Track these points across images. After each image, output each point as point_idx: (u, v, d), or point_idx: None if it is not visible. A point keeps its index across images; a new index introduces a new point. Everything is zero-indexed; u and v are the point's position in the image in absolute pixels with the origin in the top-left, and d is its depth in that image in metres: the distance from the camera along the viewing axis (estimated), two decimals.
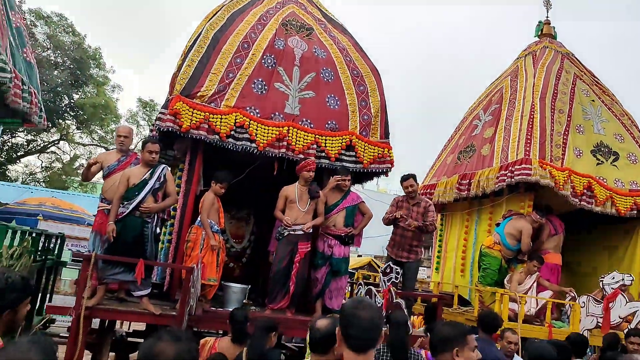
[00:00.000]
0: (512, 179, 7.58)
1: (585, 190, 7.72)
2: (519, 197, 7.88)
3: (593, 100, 8.67)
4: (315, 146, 6.51)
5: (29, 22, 25.12)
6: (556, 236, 7.98)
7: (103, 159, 6.33)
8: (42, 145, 27.00)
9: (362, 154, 6.69)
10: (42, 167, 28.59)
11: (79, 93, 26.33)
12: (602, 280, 6.80)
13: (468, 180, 8.48)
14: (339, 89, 6.86)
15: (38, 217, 10.97)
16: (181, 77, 6.18)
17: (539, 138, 7.75)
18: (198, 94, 6.17)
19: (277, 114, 6.47)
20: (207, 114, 6.08)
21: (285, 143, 6.36)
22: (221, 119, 6.12)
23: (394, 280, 5.60)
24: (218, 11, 6.75)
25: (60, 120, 26.19)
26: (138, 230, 5.32)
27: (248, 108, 6.34)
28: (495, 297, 6.64)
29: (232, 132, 6.16)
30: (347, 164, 6.63)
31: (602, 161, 8.17)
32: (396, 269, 5.60)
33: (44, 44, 25.33)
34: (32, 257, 5.16)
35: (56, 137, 27.26)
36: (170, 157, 7.22)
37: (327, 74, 6.85)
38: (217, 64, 6.31)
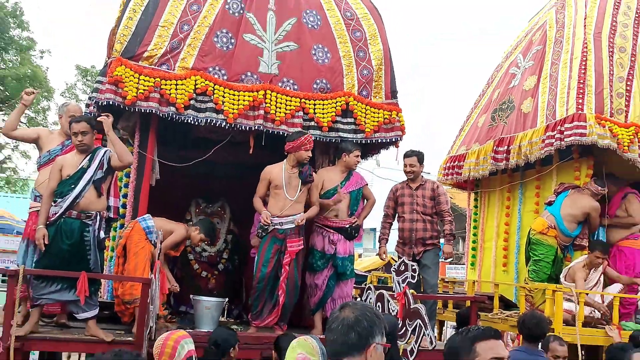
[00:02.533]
0: (563, 142, 7.59)
1: None
2: (572, 165, 7.93)
3: None
4: (301, 114, 6.61)
5: None
6: None
7: (43, 136, 6.38)
8: None
9: (362, 120, 6.79)
10: None
11: None
12: None
13: (506, 147, 8.52)
14: (328, 37, 6.94)
15: None
16: (121, 34, 6.25)
17: (595, 87, 7.75)
18: (144, 55, 6.25)
19: (249, 74, 6.56)
20: (158, 79, 6.17)
21: (261, 112, 6.45)
22: (177, 85, 6.22)
23: (410, 280, 5.70)
24: None
25: None
26: (76, 236, 5.41)
27: (211, 69, 6.43)
28: (546, 295, 6.75)
29: (192, 102, 6.26)
30: (344, 134, 6.74)
31: None
32: (412, 265, 5.70)
33: None
34: None
35: None
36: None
37: (311, 19, 6.93)
38: (166, 14, 6.39)
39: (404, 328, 5.42)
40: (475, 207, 10.03)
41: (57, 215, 5.39)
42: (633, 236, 8.09)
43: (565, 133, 7.58)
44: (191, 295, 6.54)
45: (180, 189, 7.74)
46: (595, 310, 7.15)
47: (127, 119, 6.54)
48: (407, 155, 7.39)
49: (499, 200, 9.35)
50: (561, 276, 7.46)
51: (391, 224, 7.52)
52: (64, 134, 6.31)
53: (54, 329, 5.67)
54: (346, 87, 6.84)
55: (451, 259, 7.32)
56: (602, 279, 7.28)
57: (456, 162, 9.69)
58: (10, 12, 26.50)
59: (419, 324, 5.43)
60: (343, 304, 2.57)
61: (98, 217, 5.59)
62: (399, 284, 5.81)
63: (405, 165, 7.35)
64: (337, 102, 6.72)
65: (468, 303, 7.14)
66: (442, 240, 7.48)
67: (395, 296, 5.76)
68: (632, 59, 8.18)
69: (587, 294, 6.91)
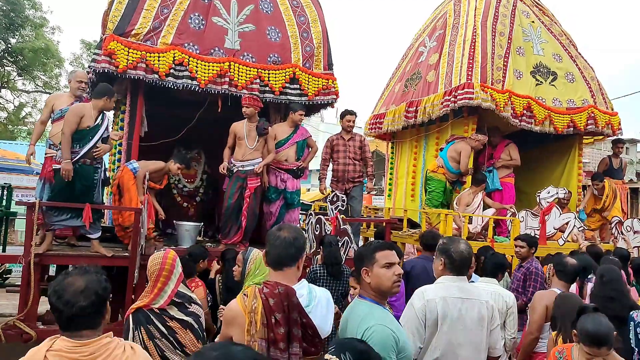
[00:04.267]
0: (456, 104, 7.68)
1: (524, 111, 7.93)
2: (462, 121, 8.03)
3: (533, 22, 8.74)
4: (258, 81, 6.46)
5: None
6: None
7: (54, 101, 6.10)
8: None
9: (306, 86, 6.68)
10: None
11: (16, 37, 24.82)
12: (539, 195, 7.17)
13: (415, 108, 8.56)
14: (279, 20, 6.73)
15: None
16: (113, 15, 5.94)
17: (481, 62, 7.81)
18: (132, 32, 5.96)
19: (217, 49, 6.33)
20: (144, 52, 5.92)
21: (227, 79, 6.28)
22: (159, 57, 5.98)
23: (340, 208, 5.77)
24: None
25: None
26: (90, 179, 5.24)
27: (186, 44, 6.18)
28: (440, 217, 6.93)
29: (172, 70, 6.04)
30: (292, 97, 6.62)
31: (541, 82, 8.36)
32: (342, 197, 5.77)
33: None
34: None
35: None
36: None
37: (266, 6, 6.69)
38: (149, 0, 6.06)
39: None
40: (392, 152, 10.12)
41: (74, 160, 5.13)
42: (511, 175, 8.38)
43: (458, 97, 7.66)
44: (174, 221, 6.47)
45: (166, 139, 7.54)
46: (477, 226, 7.40)
47: (120, 84, 6.27)
48: (350, 113, 7.46)
49: (409, 148, 9.43)
50: (454, 203, 7.66)
51: (328, 166, 7.56)
52: (72, 95, 6.02)
53: (65, 248, 5.55)
54: (293, 60, 6.68)
55: (374, 192, 7.48)
56: (482, 204, 7.51)
57: (378, 119, 9.70)
58: None
59: (347, 240, 5.53)
60: (280, 225, 2.56)
61: (103, 162, 5.44)
62: (332, 211, 5.88)
63: (348, 121, 7.37)
64: (286, 72, 6.57)
65: (383, 224, 7.29)
66: (366, 179, 7.57)
67: (329, 219, 5.84)
68: (509, 41, 8.24)
69: (469, 217, 7.13)
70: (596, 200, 8.33)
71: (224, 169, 6.12)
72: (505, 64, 8.01)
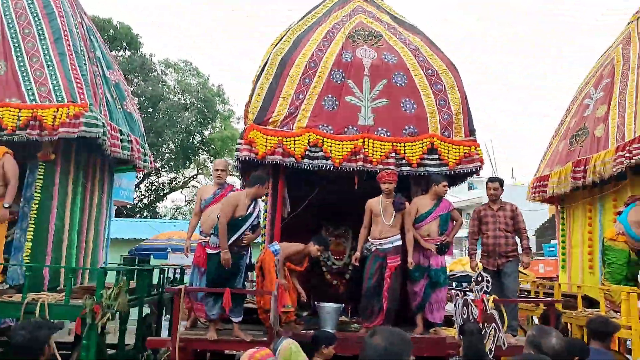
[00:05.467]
0: (632, 160, 6.55)
1: None
2: None
3: None
4: (394, 154, 6.26)
5: (160, 72, 27.74)
6: None
7: (201, 194, 6.65)
8: (183, 181, 29.48)
9: (446, 156, 6.29)
10: (186, 201, 31.18)
11: (208, 129, 28.36)
12: None
13: (583, 167, 7.51)
14: (414, 91, 6.53)
15: (167, 251, 11.93)
16: (253, 106, 6.32)
17: None
18: (270, 120, 6.25)
19: (350, 127, 6.33)
20: (281, 138, 6.14)
21: (361, 155, 6.19)
22: (294, 141, 6.15)
23: (485, 289, 5.11)
24: (284, 35, 6.80)
25: (196, 156, 28.44)
26: (236, 266, 5.43)
27: (320, 126, 6.29)
28: (621, 297, 5.77)
29: (307, 152, 6.15)
30: (431, 168, 6.28)
31: None
32: (487, 277, 5.10)
33: (174, 90, 27.76)
34: (127, 294, 5.54)
35: (194, 172, 29.60)
36: None
37: (399, 79, 6.56)
38: (285, 88, 6.36)
39: (484, 330, 4.86)
40: (562, 218, 8.95)
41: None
42: None
43: (633, 152, 6.54)
44: (316, 302, 6.37)
45: (313, 217, 7.63)
46: None
47: (262, 168, 6.52)
48: (491, 180, 6.73)
49: (582, 213, 8.21)
50: (639, 277, 6.40)
51: (477, 239, 6.87)
52: (215, 184, 6.46)
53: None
54: (431, 130, 6.38)
55: (527, 267, 6.67)
56: None
57: (541, 182, 8.72)
58: (215, 92, 28.52)
59: (494, 327, 4.83)
60: (373, 330, 2.23)
61: (250, 249, 5.61)
62: (477, 292, 5.24)
63: (489, 189, 6.71)
64: (423, 142, 6.30)
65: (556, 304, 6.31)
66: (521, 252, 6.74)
67: (476, 302, 5.20)
68: None
69: None
70: None
71: (356, 260, 6.03)
72: None
